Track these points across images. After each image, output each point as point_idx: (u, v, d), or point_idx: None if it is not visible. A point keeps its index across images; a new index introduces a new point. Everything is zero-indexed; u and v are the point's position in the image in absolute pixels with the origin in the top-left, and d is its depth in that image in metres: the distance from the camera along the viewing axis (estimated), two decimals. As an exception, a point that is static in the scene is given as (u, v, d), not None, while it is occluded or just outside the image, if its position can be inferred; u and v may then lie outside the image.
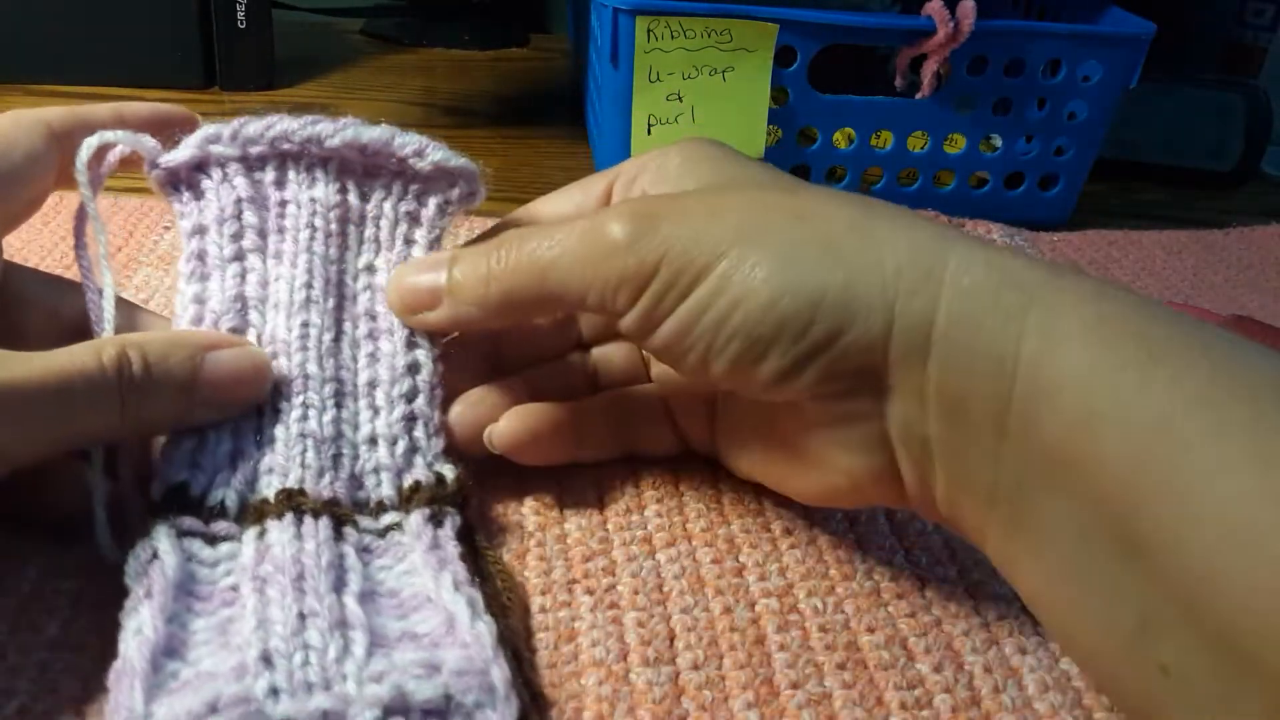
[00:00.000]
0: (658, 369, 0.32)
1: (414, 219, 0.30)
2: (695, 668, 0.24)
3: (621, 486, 0.30)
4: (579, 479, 0.30)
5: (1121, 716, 0.24)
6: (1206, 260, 0.52)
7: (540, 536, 0.28)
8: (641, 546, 0.28)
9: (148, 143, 0.28)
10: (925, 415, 0.23)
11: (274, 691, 0.20)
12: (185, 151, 0.28)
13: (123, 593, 0.22)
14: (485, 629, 0.22)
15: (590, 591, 0.26)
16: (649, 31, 0.46)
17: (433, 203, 0.30)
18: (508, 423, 0.29)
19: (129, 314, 0.28)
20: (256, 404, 0.26)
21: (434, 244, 0.30)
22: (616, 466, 0.31)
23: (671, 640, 0.25)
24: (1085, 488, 0.20)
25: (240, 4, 0.59)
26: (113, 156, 0.27)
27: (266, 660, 0.21)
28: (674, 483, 0.31)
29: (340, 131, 0.28)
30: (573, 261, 0.25)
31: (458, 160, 0.29)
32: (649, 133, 0.49)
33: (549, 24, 0.88)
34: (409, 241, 0.29)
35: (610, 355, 0.32)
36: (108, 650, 0.21)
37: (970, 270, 0.23)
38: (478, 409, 0.29)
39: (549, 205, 0.31)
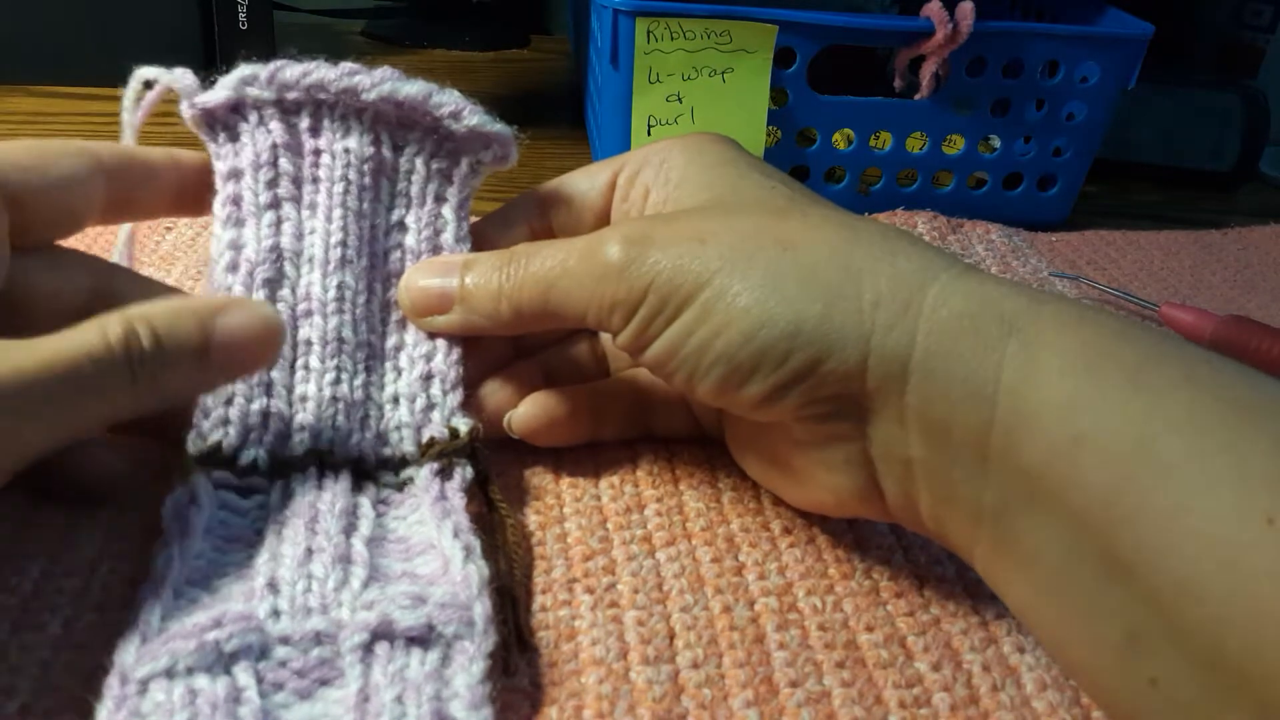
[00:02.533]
0: None
1: (446, 177, 0.30)
2: (695, 666, 0.24)
3: (621, 486, 0.30)
4: (580, 477, 0.31)
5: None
6: (1205, 261, 0.52)
7: (540, 536, 0.28)
8: (641, 545, 0.28)
9: (186, 80, 0.28)
10: (906, 439, 0.23)
11: (275, 613, 0.22)
12: (221, 92, 0.28)
13: (127, 593, 0.23)
14: (474, 571, 0.24)
15: (590, 590, 0.26)
16: (649, 33, 0.46)
17: (465, 162, 0.30)
18: (526, 409, 0.30)
19: (145, 286, 0.28)
20: (273, 362, 0.26)
21: (464, 203, 0.30)
22: (616, 465, 0.31)
23: (671, 639, 0.25)
24: (1068, 509, 0.21)
25: (241, 5, 0.59)
26: (153, 94, 0.28)
27: (272, 586, 0.23)
28: (674, 482, 0.31)
29: (378, 85, 0.28)
30: (571, 283, 0.27)
31: (494, 125, 0.30)
32: (649, 134, 0.49)
33: (549, 25, 0.88)
34: (440, 199, 0.30)
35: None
36: (110, 649, 0.21)
37: (949, 302, 0.23)
38: (498, 396, 0.30)
39: (563, 185, 0.31)
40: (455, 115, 0.29)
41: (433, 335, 0.29)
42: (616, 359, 0.33)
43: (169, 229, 0.44)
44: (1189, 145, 0.62)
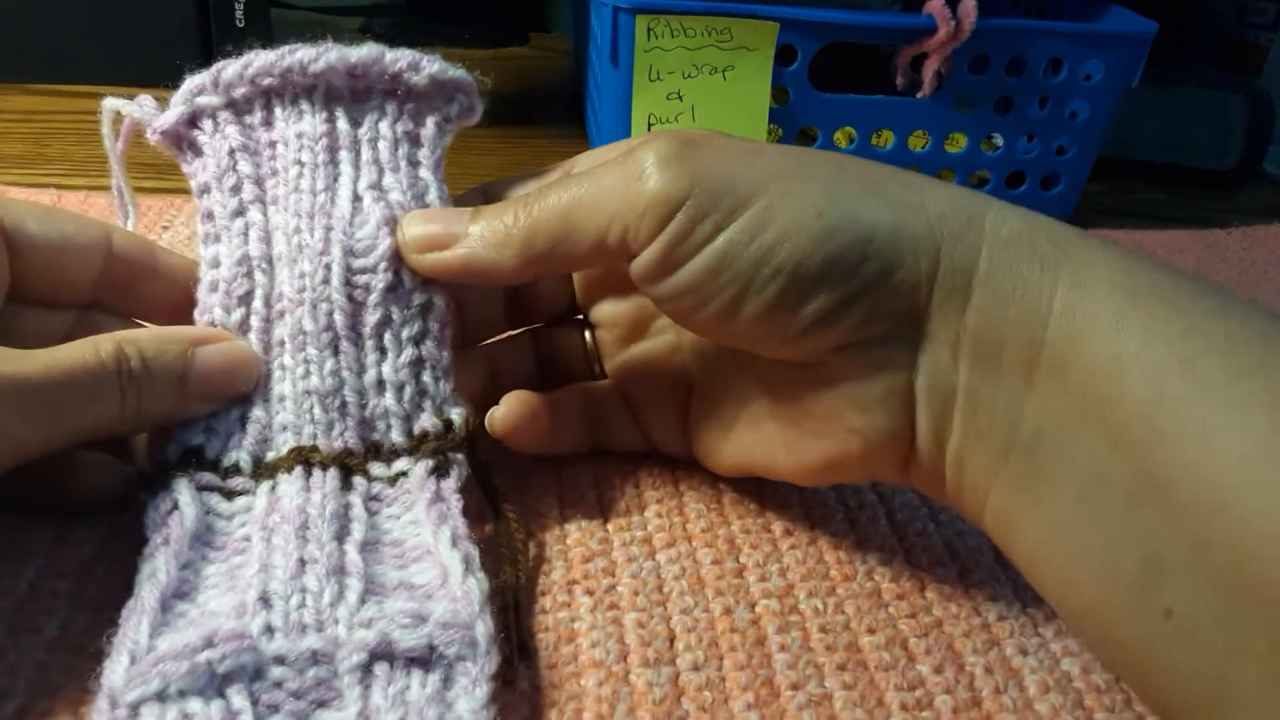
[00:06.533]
0: (614, 364, 0.31)
1: (414, 140, 0.29)
2: (695, 668, 0.24)
3: (621, 487, 0.30)
4: (579, 479, 0.30)
5: (1122, 717, 0.24)
6: (1208, 260, 0.52)
7: (540, 537, 0.28)
8: (641, 547, 0.28)
9: (147, 106, 0.28)
10: (956, 364, 0.23)
11: (269, 630, 0.22)
12: (174, 111, 0.28)
13: (122, 595, 0.22)
14: (475, 586, 0.23)
15: (590, 592, 0.26)
16: (649, 30, 0.46)
17: (431, 121, 0.29)
18: (507, 408, 0.28)
19: (123, 323, 0.28)
20: (246, 392, 0.26)
21: (438, 165, 0.29)
22: (616, 466, 0.31)
23: (671, 641, 0.25)
24: (1106, 426, 0.21)
25: (239, 3, 0.59)
26: (126, 124, 0.29)
27: (265, 601, 0.22)
28: (674, 483, 0.31)
29: (324, 55, 0.27)
30: (598, 192, 0.24)
31: (455, 72, 0.29)
32: (649, 131, 0.48)
33: (549, 23, 0.88)
34: (414, 163, 0.29)
35: (557, 346, 0.32)
36: (106, 651, 0.21)
37: (1008, 222, 0.23)
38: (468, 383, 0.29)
39: (510, 183, 0.30)
40: (413, 66, 0.28)
41: (425, 314, 0.27)
42: (556, 364, 0.32)
43: (165, 228, 0.44)
44: (1192, 144, 0.62)
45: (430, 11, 0.81)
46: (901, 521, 0.30)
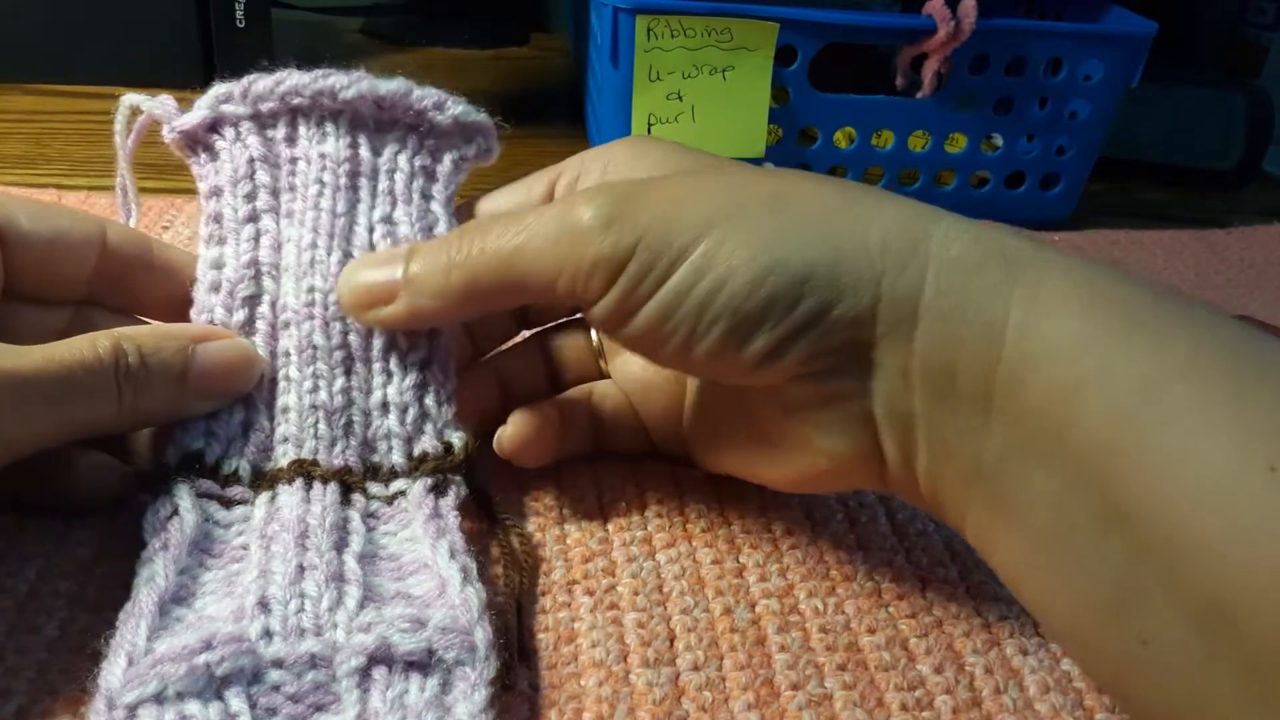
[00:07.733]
0: (618, 362, 0.32)
1: (429, 174, 0.29)
2: (695, 669, 0.24)
3: (621, 487, 0.30)
4: (579, 479, 0.30)
5: (1123, 718, 0.24)
6: (1208, 260, 0.52)
7: (540, 537, 0.28)
8: (641, 547, 0.28)
9: (168, 105, 0.28)
10: (910, 392, 0.23)
11: (268, 634, 0.22)
12: (197, 113, 0.28)
13: (122, 595, 0.22)
14: (473, 594, 0.23)
15: (590, 592, 0.26)
16: (649, 30, 0.46)
17: (448, 158, 0.30)
18: (514, 428, 0.29)
19: (119, 320, 0.28)
20: (246, 392, 0.26)
21: (449, 200, 0.29)
22: (616, 466, 0.31)
23: (672, 641, 0.25)
24: (1068, 456, 0.20)
25: (239, 3, 0.59)
26: (140, 120, 0.28)
27: (264, 605, 0.22)
28: (674, 483, 0.31)
29: (355, 84, 0.28)
30: (542, 245, 0.24)
31: (477, 115, 0.29)
32: (649, 132, 0.48)
33: (549, 23, 0.88)
34: (426, 197, 0.29)
35: (563, 346, 0.32)
36: (104, 653, 0.21)
37: (955, 243, 0.23)
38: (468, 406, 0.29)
39: (489, 203, 0.30)
40: (438, 106, 0.29)
41: (431, 338, 0.28)
42: (562, 367, 0.32)
43: (166, 228, 0.44)
44: (1192, 144, 0.62)
45: (430, 12, 0.81)
46: (901, 521, 0.30)
